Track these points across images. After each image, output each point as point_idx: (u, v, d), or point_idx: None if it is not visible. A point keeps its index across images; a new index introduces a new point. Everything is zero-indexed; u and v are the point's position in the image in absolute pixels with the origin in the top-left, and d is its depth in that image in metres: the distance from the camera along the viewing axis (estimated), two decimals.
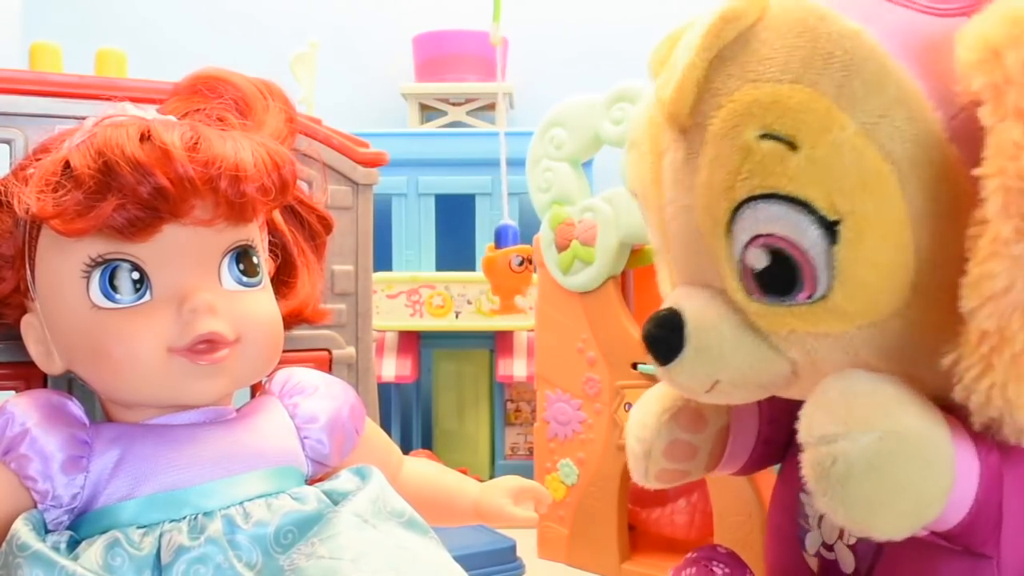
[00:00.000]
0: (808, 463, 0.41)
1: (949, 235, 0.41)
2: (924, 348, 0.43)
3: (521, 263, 0.96)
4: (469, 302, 1.22)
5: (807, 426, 0.41)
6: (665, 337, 0.47)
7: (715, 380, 0.47)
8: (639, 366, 0.86)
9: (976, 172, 0.38)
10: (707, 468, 0.56)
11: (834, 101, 0.41)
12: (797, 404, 0.51)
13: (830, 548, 0.51)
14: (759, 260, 0.44)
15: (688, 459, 0.55)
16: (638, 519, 0.93)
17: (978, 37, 0.39)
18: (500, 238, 0.99)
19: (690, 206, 0.46)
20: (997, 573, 0.44)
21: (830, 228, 0.41)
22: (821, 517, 0.52)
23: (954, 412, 0.42)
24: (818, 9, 0.43)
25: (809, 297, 0.43)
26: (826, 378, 0.43)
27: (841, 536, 0.50)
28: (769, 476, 0.74)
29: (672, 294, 0.49)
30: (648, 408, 0.56)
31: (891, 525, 0.40)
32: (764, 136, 0.42)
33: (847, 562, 0.50)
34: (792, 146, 0.41)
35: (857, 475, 0.39)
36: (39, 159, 0.48)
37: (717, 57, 0.44)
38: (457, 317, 1.22)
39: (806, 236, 0.42)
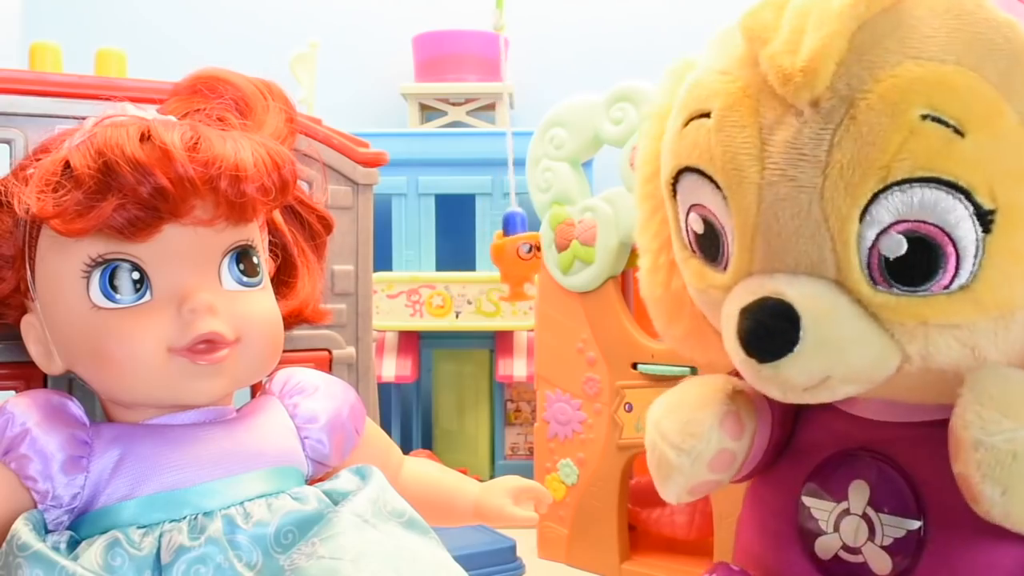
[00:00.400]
0: (985, 462, 0.41)
1: None
2: None
3: (530, 250, 0.96)
4: (469, 302, 1.22)
5: (978, 424, 0.41)
6: (781, 329, 0.43)
7: (827, 375, 0.44)
8: (639, 366, 0.86)
9: None
10: (733, 478, 0.54)
11: (997, 88, 0.40)
12: (802, 405, 0.50)
13: (854, 551, 0.49)
14: (896, 247, 0.42)
15: (727, 468, 0.52)
16: (638, 519, 0.93)
17: None
18: (508, 225, 0.99)
19: (814, 186, 0.43)
20: None
21: (983, 217, 0.41)
22: (840, 520, 0.50)
23: None
24: None
25: (947, 287, 0.42)
26: (973, 374, 0.43)
27: (871, 538, 0.49)
28: None
29: (768, 282, 0.45)
30: (690, 414, 0.51)
31: None
32: (928, 116, 0.40)
33: (881, 564, 0.48)
34: (958, 131, 0.40)
35: None
36: (39, 159, 0.48)
37: (862, 28, 0.42)
38: (457, 317, 1.22)
39: (960, 224, 0.41)
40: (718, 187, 0.46)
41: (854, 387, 0.45)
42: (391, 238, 1.28)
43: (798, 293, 0.43)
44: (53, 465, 0.45)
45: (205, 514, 0.45)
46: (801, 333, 0.43)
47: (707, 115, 0.47)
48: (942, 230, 0.41)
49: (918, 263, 0.42)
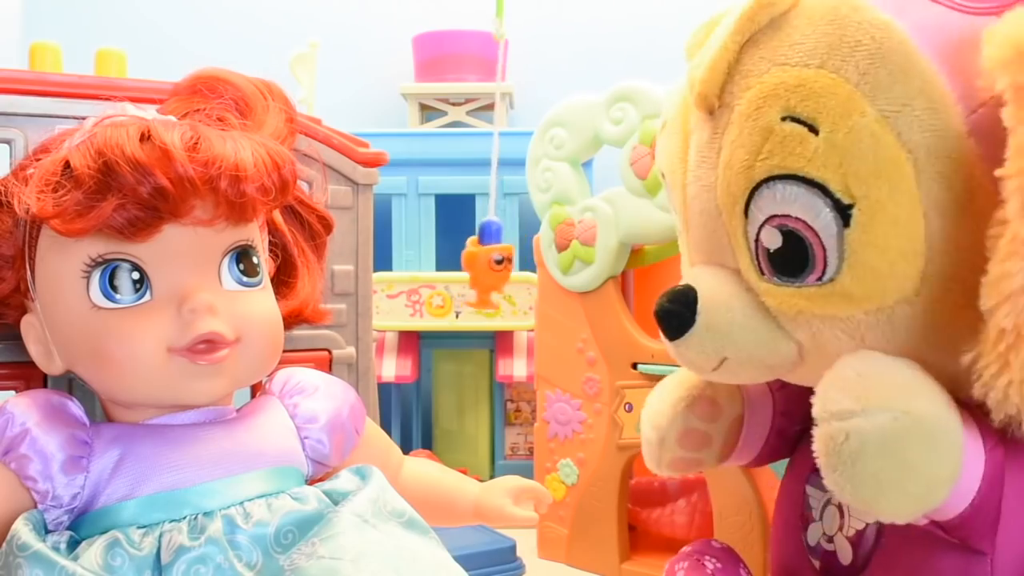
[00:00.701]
0: (820, 438, 0.41)
1: (962, 227, 0.42)
2: (932, 338, 0.43)
3: (500, 261, 0.96)
4: (469, 302, 1.22)
5: (821, 401, 0.42)
6: (678, 312, 0.48)
7: (723, 357, 0.48)
8: (639, 366, 0.86)
9: (997, 173, 0.39)
10: (720, 458, 0.57)
11: (856, 87, 0.42)
12: (811, 394, 0.51)
13: (830, 540, 0.51)
14: (773, 240, 0.45)
15: (702, 447, 0.56)
16: (638, 519, 0.93)
17: (1006, 36, 0.39)
18: (484, 234, 0.99)
19: (711, 185, 0.47)
20: (991, 570, 0.44)
21: (843, 212, 0.42)
22: (824, 508, 0.52)
23: (963, 406, 0.42)
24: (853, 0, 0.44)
25: (819, 279, 0.44)
26: (843, 357, 0.43)
27: (841, 528, 0.50)
28: (769, 476, 0.74)
29: (689, 271, 0.50)
30: (664, 396, 0.56)
31: (896, 506, 0.41)
32: (786, 118, 0.43)
33: (845, 554, 0.50)
34: (813, 129, 0.42)
35: (869, 453, 0.40)
36: (39, 159, 0.48)
37: (750, 41, 0.46)
38: (457, 317, 1.22)
39: (820, 218, 0.43)
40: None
41: (754, 370, 0.49)
42: (391, 238, 1.28)
43: (705, 282, 0.48)
44: (53, 465, 0.45)
45: (205, 514, 0.45)
46: (696, 316, 0.48)
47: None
48: (805, 224, 0.43)
49: (792, 256, 0.45)
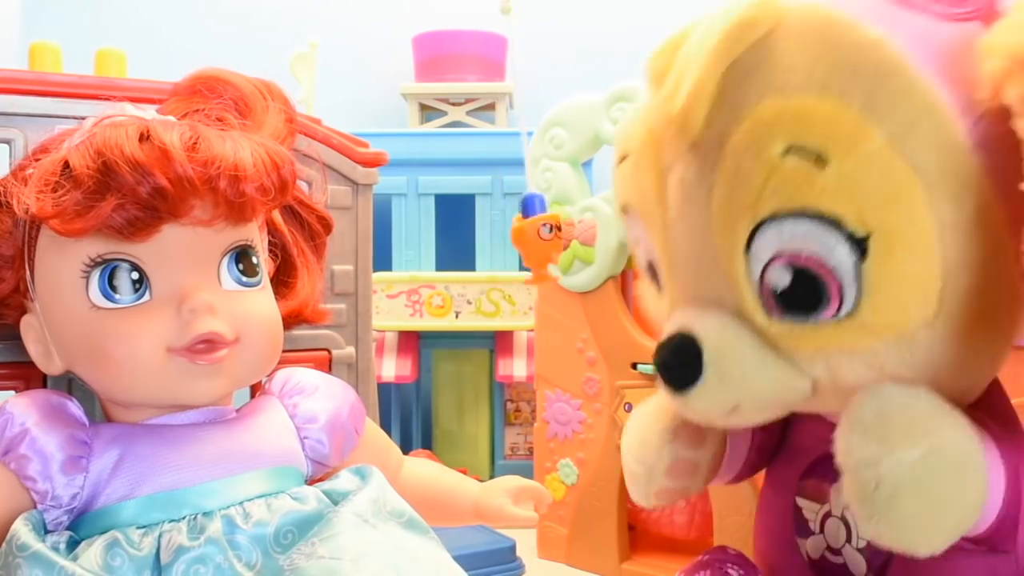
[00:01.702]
0: (851, 488, 0.40)
1: (974, 242, 0.40)
2: (949, 355, 0.42)
3: (551, 230, 0.96)
4: (469, 302, 1.22)
5: (845, 450, 0.40)
6: (685, 364, 0.45)
7: (736, 404, 0.45)
8: (639, 366, 0.86)
9: (1023, 187, 0.38)
10: (705, 482, 0.55)
11: (861, 112, 0.40)
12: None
13: (836, 551, 0.50)
14: (781, 278, 0.42)
15: (689, 476, 0.54)
16: (638, 519, 0.93)
17: (1007, 48, 0.38)
18: (527, 207, 0.98)
19: (704, 225, 0.44)
20: (1016, 567, 0.44)
21: (858, 243, 0.40)
22: (824, 522, 0.51)
23: (973, 415, 0.42)
24: (839, 17, 0.42)
25: (835, 314, 0.42)
26: (856, 397, 0.42)
27: (849, 540, 0.50)
28: None
29: (679, 315, 0.47)
30: (647, 427, 0.54)
31: (936, 541, 0.40)
32: (790, 151, 0.40)
33: (857, 565, 0.49)
34: (820, 161, 0.40)
35: (904, 495, 0.38)
36: (38, 159, 0.48)
37: (733, 66, 0.42)
38: (457, 317, 1.22)
39: (834, 253, 0.40)
40: (638, 223, 0.49)
41: (767, 412, 0.46)
42: (391, 238, 1.28)
43: (703, 327, 0.45)
44: (52, 465, 0.45)
45: (204, 514, 0.45)
46: (705, 368, 0.44)
47: (627, 157, 0.49)
48: (819, 261, 0.41)
49: (803, 293, 0.42)
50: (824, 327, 0.42)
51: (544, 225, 0.94)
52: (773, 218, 0.41)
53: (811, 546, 0.52)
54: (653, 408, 0.55)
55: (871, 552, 0.48)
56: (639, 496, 0.55)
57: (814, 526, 0.51)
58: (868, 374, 0.43)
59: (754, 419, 0.47)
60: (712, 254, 0.44)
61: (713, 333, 0.44)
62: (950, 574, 0.45)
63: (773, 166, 0.41)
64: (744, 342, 0.44)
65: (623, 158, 0.50)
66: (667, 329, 0.47)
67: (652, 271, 0.51)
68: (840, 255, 0.40)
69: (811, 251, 0.41)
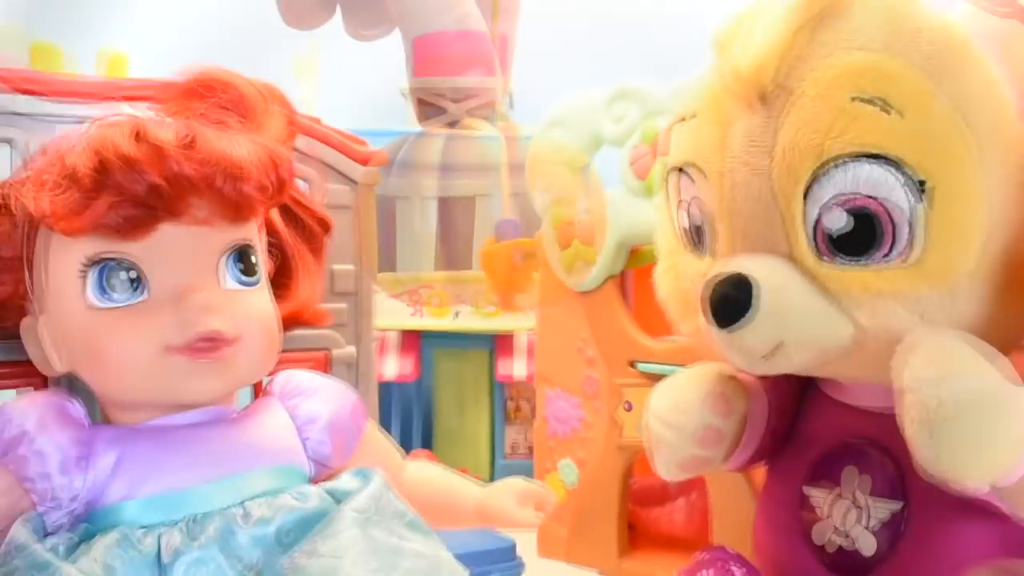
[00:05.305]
0: (911, 406, 0.42)
1: (1015, 202, 0.45)
2: (985, 311, 0.46)
3: (524, 258, 0.95)
4: (469, 302, 1.22)
5: (909, 370, 0.42)
6: (736, 297, 0.47)
7: (779, 342, 0.48)
8: (638, 365, 0.86)
9: None
10: (724, 458, 0.56)
11: (922, 70, 0.44)
12: (805, 393, 0.54)
13: (846, 535, 0.51)
14: (838, 221, 0.45)
15: (715, 445, 0.55)
16: (637, 518, 0.93)
17: None
18: (501, 231, 0.98)
19: (764, 169, 0.47)
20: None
21: (916, 188, 0.44)
22: (833, 505, 0.52)
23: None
24: None
25: (886, 256, 0.45)
26: (911, 335, 0.44)
27: (859, 520, 0.51)
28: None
29: (731, 261, 0.49)
30: (679, 394, 0.55)
31: (983, 472, 0.42)
32: (856, 98, 0.44)
33: (867, 545, 0.50)
34: (887, 108, 0.44)
35: (963, 416, 0.41)
36: (38, 161, 0.48)
37: (802, 28, 0.46)
38: (457, 317, 1.22)
39: (893, 194, 0.44)
40: (694, 181, 0.52)
41: (808, 355, 0.48)
42: (393, 238, 1.28)
43: (755, 267, 0.48)
44: (52, 467, 0.45)
45: (205, 514, 0.45)
46: (755, 302, 0.47)
47: (687, 118, 0.53)
48: (878, 201, 0.44)
49: (859, 234, 0.45)
50: (875, 268, 0.45)
51: (518, 251, 0.93)
52: (837, 158, 0.44)
53: (818, 533, 0.52)
54: (683, 378, 0.57)
55: (882, 530, 0.49)
56: (664, 464, 0.56)
57: (821, 512, 0.52)
58: (910, 319, 0.45)
59: (793, 362, 0.49)
60: (770, 198, 0.47)
61: (763, 272, 0.47)
62: (964, 541, 0.47)
63: (842, 109, 0.44)
64: (794, 280, 0.47)
65: (682, 119, 0.53)
66: (715, 271, 0.49)
67: (694, 235, 0.53)
68: (898, 196, 0.44)
69: (871, 192, 0.44)
